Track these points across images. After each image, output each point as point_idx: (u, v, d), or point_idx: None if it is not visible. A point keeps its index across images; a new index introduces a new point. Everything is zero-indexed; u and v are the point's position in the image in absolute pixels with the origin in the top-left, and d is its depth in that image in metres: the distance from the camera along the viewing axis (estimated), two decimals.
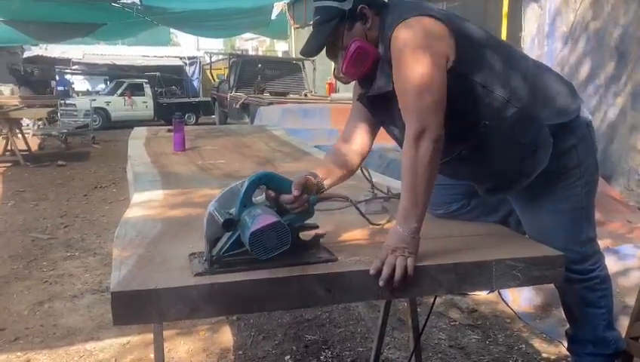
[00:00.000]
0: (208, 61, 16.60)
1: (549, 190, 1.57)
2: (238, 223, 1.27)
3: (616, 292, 2.65)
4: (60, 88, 14.85)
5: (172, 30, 16.77)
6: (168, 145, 3.19)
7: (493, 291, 3.02)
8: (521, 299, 2.96)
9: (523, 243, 1.54)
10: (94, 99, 13.31)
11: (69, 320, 2.92)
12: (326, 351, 2.58)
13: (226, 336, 2.74)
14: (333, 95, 9.52)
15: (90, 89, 18.39)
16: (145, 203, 1.91)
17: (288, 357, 2.54)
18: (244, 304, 1.23)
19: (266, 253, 1.24)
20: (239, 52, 23.40)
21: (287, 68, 12.37)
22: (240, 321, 2.86)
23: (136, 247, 1.41)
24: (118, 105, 14.68)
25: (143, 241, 1.46)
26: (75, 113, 13.04)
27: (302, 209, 1.37)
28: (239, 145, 3.39)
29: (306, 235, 1.39)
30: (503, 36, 6.11)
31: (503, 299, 3.05)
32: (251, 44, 29.43)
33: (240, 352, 2.58)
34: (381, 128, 1.68)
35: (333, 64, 1.61)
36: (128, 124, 8.43)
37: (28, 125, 11.03)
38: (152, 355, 2.19)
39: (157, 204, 1.89)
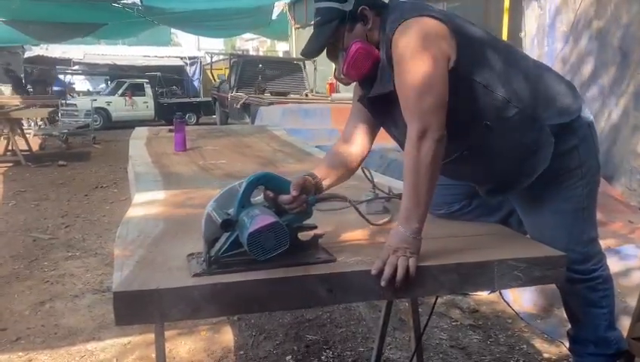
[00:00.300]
0: (209, 61, 16.60)
1: (551, 190, 1.57)
2: (236, 224, 1.27)
3: (618, 293, 2.65)
4: (56, 88, 14.83)
5: (173, 30, 16.81)
6: (169, 145, 3.19)
7: (494, 291, 3.02)
8: (522, 299, 2.96)
9: (525, 244, 1.54)
10: (95, 100, 13.31)
11: (70, 320, 2.92)
12: (327, 351, 2.58)
13: (228, 336, 2.74)
14: (334, 95, 9.52)
15: (91, 89, 18.40)
16: (146, 203, 1.91)
17: (289, 357, 2.54)
18: (245, 304, 1.23)
19: (265, 254, 1.24)
20: (240, 52, 23.40)
21: (287, 68, 12.37)
22: (241, 321, 2.86)
23: (138, 247, 1.41)
24: (119, 106, 14.68)
25: (144, 241, 1.46)
26: (75, 113, 13.05)
27: (300, 209, 1.37)
28: (240, 146, 3.39)
29: (304, 236, 1.39)
30: (504, 36, 6.11)
31: (504, 299, 3.05)
32: (252, 44, 29.46)
33: (241, 352, 2.58)
34: (381, 128, 1.68)
35: (333, 64, 1.61)
36: (129, 124, 8.43)
37: (31, 125, 11.06)
38: (154, 355, 2.20)
39: (158, 204, 1.89)
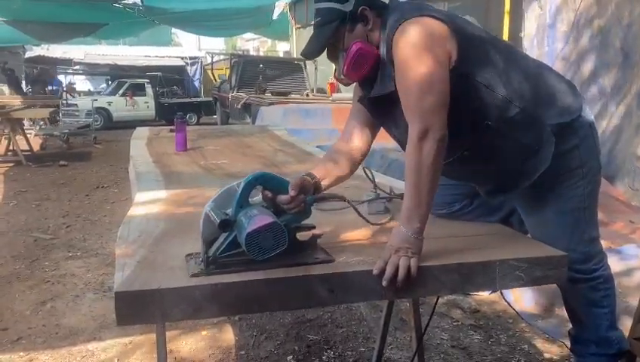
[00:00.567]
0: (210, 61, 16.61)
1: (552, 190, 1.57)
2: (234, 224, 1.27)
3: (619, 293, 2.64)
4: (51, 88, 14.82)
5: (173, 30, 16.82)
6: (170, 145, 3.19)
7: (495, 291, 3.02)
8: (523, 298, 2.96)
9: (526, 244, 1.54)
10: (96, 100, 13.31)
11: (71, 320, 2.92)
12: (328, 351, 2.58)
13: (229, 336, 2.74)
14: (335, 95, 9.51)
15: (91, 89, 18.41)
16: (147, 203, 1.91)
17: (290, 357, 2.53)
18: (247, 304, 1.23)
19: (263, 254, 1.24)
20: (241, 52, 23.40)
21: (288, 68, 12.37)
22: (242, 321, 2.86)
23: (139, 247, 1.41)
24: (120, 106, 14.68)
25: (145, 241, 1.46)
26: (76, 113, 13.06)
27: (298, 209, 1.37)
28: (241, 146, 3.39)
29: (303, 236, 1.38)
30: (505, 36, 6.11)
31: (505, 299, 3.04)
32: (252, 44, 29.47)
33: (242, 352, 2.58)
34: (381, 128, 1.68)
35: (334, 65, 1.61)
36: (130, 124, 8.44)
37: (33, 124, 11.06)
38: (155, 355, 2.20)
39: (159, 204, 1.89)
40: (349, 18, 1.48)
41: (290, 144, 3.44)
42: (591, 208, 1.61)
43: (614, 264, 2.08)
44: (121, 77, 15.86)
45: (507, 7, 6.25)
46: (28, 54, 17.71)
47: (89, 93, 17.16)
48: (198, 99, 16.55)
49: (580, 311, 1.67)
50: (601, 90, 4.86)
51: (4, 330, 2.80)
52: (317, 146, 3.50)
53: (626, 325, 1.99)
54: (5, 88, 13.15)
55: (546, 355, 2.51)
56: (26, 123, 10.24)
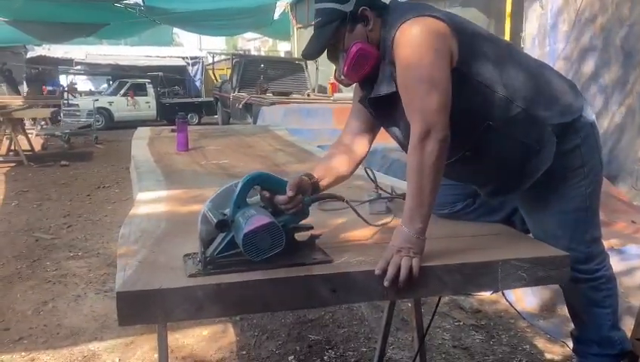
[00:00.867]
0: (211, 61, 16.60)
1: (554, 190, 1.57)
2: (232, 224, 1.26)
3: (621, 293, 2.63)
4: (50, 88, 14.82)
5: (174, 30, 16.82)
6: (171, 145, 3.19)
7: (498, 291, 3.02)
8: (524, 298, 2.95)
9: (528, 244, 1.54)
10: (97, 100, 13.32)
11: (72, 320, 2.92)
12: (329, 351, 2.57)
13: (230, 336, 2.74)
14: (336, 95, 9.51)
15: (93, 89, 18.42)
16: (149, 203, 1.91)
17: (292, 357, 2.53)
18: (249, 304, 1.23)
19: (260, 255, 1.24)
20: (242, 52, 23.41)
21: (289, 68, 12.36)
22: (243, 321, 2.86)
23: (141, 247, 1.41)
24: (121, 106, 14.69)
25: (147, 241, 1.46)
26: (78, 113, 13.05)
27: (296, 210, 1.36)
28: (242, 145, 3.39)
29: (301, 236, 1.38)
30: (506, 36, 6.10)
31: (506, 299, 3.04)
32: (254, 44, 29.46)
33: (243, 352, 2.58)
34: (381, 129, 1.68)
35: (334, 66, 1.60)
36: (131, 124, 8.45)
37: (33, 124, 11.07)
38: (156, 355, 2.19)
39: (161, 204, 1.89)
40: (350, 18, 1.48)
41: (291, 144, 3.44)
42: (593, 208, 1.61)
43: (616, 264, 2.07)
44: (122, 77, 15.86)
45: (508, 12, 6.24)
46: (29, 54, 17.72)
47: (90, 93, 17.16)
48: (200, 99, 16.55)
49: (582, 311, 1.66)
50: (602, 89, 4.86)
51: (5, 330, 2.80)
52: (318, 146, 3.50)
53: (628, 325, 1.99)
54: (5, 88, 13.18)
55: (548, 355, 2.50)
56: (27, 123, 10.25)
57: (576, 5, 5.18)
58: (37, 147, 9.21)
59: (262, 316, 2.89)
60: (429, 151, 1.32)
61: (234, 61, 12.50)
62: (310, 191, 1.45)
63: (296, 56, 15.02)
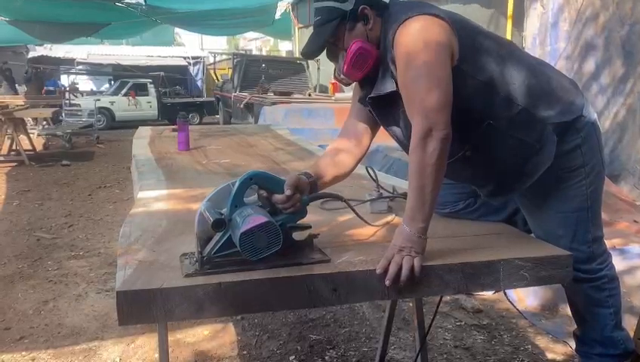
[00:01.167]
0: (212, 61, 16.59)
1: (555, 190, 1.56)
2: (229, 223, 1.25)
3: (623, 293, 2.63)
4: (48, 88, 14.83)
5: (176, 30, 16.82)
6: (173, 144, 3.19)
7: (499, 291, 3.01)
8: (526, 298, 2.95)
9: (531, 243, 1.53)
10: (99, 99, 13.33)
11: (73, 320, 2.92)
12: (331, 350, 2.57)
13: (231, 336, 2.73)
14: (338, 94, 9.50)
15: (94, 89, 18.43)
16: (149, 202, 1.90)
17: (293, 357, 2.53)
18: (250, 304, 1.22)
19: (257, 254, 1.23)
20: (243, 52, 23.40)
21: (291, 68, 12.35)
22: (244, 321, 2.86)
23: (141, 247, 1.41)
24: (123, 105, 14.69)
25: (147, 240, 1.46)
26: (79, 113, 13.05)
27: (294, 209, 1.36)
28: (243, 145, 3.38)
29: (299, 236, 1.37)
30: (508, 36, 6.09)
31: (508, 299, 3.03)
32: (255, 43, 29.47)
33: (244, 352, 2.58)
34: (381, 128, 1.67)
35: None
36: (132, 124, 8.44)
37: (34, 124, 11.08)
38: (157, 355, 2.19)
39: (161, 203, 1.89)
40: (349, 17, 1.47)
41: (292, 143, 3.43)
42: (594, 207, 1.60)
43: (618, 264, 2.07)
44: (123, 77, 15.88)
45: (509, 13, 6.22)
46: (31, 54, 17.73)
47: (92, 92, 17.17)
48: (201, 99, 16.55)
49: (585, 311, 1.66)
50: (603, 88, 4.84)
51: (6, 329, 2.80)
52: (319, 146, 3.50)
53: (630, 325, 1.98)
54: (3, 88, 13.20)
55: (550, 355, 2.49)
56: (28, 123, 10.25)
57: (577, 4, 5.17)
58: (38, 147, 9.22)
59: (263, 315, 2.88)
60: (431, 150, 1.31)
61: (235, 61, 12.49)
62: (308, 190, 1.44)
63: (297, 55, 15.03)
